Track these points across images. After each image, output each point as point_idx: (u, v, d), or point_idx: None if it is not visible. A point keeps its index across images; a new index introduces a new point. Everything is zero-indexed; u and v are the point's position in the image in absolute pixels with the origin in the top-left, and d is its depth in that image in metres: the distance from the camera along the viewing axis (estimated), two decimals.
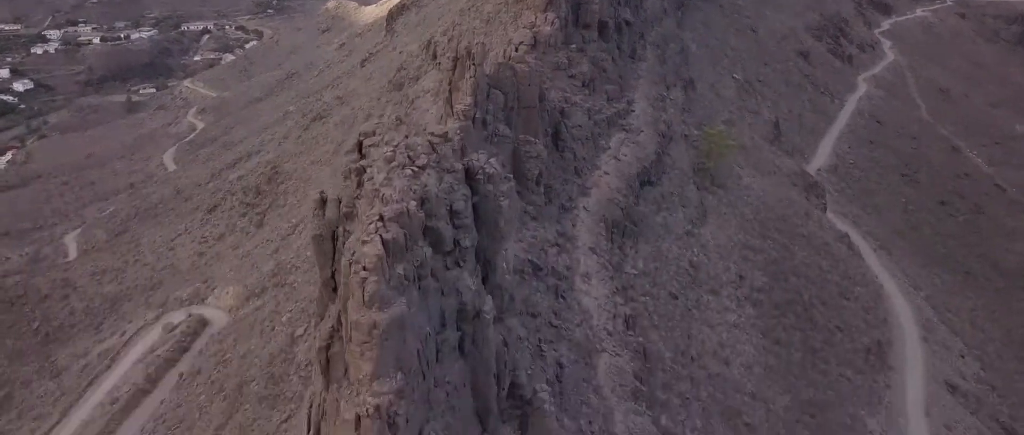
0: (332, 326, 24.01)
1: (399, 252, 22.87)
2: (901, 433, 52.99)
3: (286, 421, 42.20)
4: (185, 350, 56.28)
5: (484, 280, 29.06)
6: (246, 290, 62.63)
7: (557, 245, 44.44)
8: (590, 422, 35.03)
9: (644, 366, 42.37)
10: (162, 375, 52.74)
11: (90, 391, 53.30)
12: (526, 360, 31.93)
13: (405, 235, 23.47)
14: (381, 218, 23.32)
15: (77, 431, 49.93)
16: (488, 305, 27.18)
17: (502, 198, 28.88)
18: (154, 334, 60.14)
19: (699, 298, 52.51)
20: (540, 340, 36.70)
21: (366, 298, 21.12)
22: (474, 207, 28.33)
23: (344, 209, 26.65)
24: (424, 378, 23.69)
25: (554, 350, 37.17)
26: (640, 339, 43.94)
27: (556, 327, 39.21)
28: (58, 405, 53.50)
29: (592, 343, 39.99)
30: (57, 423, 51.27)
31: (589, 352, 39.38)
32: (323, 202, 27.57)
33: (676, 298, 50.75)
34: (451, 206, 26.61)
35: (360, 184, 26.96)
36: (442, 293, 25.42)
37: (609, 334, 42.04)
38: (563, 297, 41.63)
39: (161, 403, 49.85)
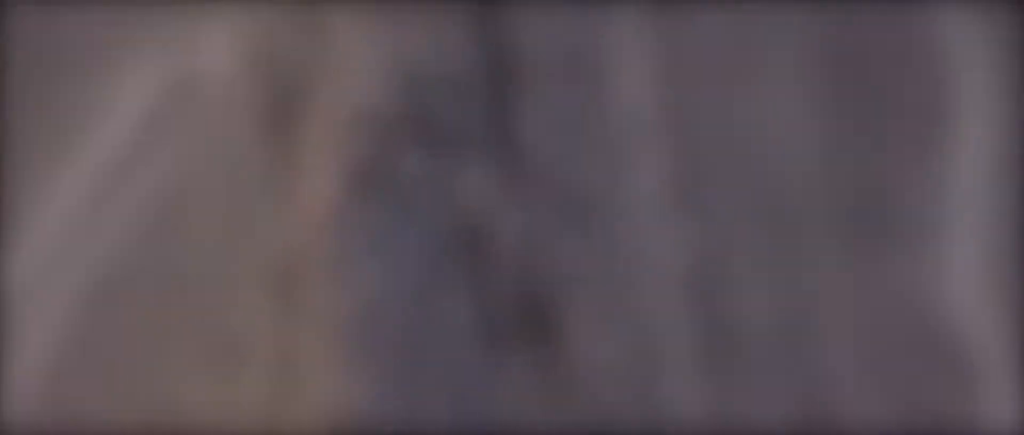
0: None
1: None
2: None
3: None
4: None
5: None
6: None
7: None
8: (613, 259, 33.74)
9: (680, 166, 41.98)
10: None
11: None
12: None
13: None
14: None
15: None
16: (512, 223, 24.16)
17: None
18: None
19: (746, 64, 52.68)
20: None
21: None
22: None
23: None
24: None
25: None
26: (675, 137, 43.54)
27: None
28: None
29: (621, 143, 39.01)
30: None
31: (620, 158, 38.26)
32: None
33: (718, 74, 50.80)
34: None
35: None
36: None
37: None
38: None
39: None
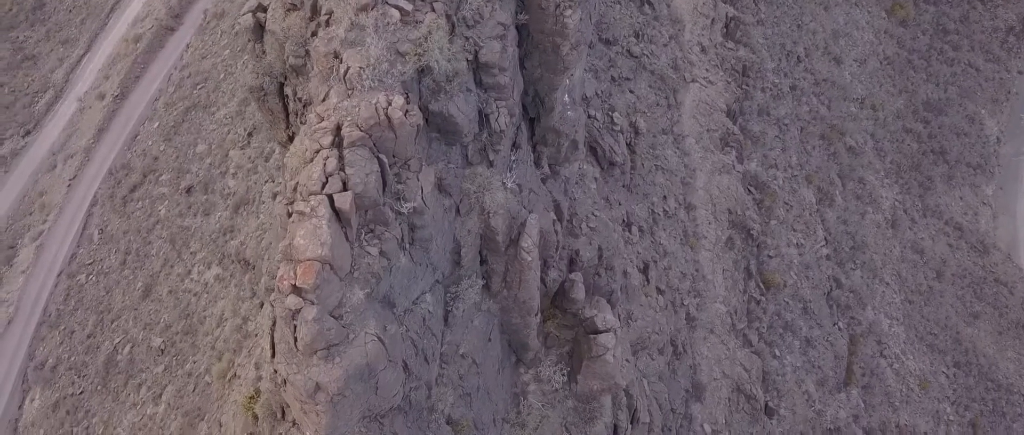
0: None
1: (368, 211, 13.74)
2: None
3: None
4: None
5: (532, 124, 20.58)
6: None
7: None
8: (664, 197, 29.58)
9: (739, 92, 36.90)
10: (186, 10, 47.48)
11: (114, 17, 47.77)
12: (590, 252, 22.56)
13: (379, 175, 14.13)
14: (337, 142, 13.92)
15: (103, 68, 44.64)
16: (532, 228, 17.88)
17: (567, 9, 18.25)
18: None
19: None
20: (614, 79, 30.00)
21: (300, 344, 12.37)
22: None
23: (291, 58, 17.61)
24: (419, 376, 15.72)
25: (630, 92, 30.75)
26: (741, 51, 38.05)
27: (636, 57, 31.80)
28: (84, 29, 48.52)
29: (680, 70, 33.80)
30: (84, 54, 45.93)
31: (674, 88, 32.81)
32: (260, 28, 18.79)
33: None
34: (476, 55, 16.52)
35: (316, 19, 17.09)
36: (457, 212, 16.78)
37: (702, 50, 35.34)
38: (650, 4, 33.92)
39: (187, 48, 44.00)
